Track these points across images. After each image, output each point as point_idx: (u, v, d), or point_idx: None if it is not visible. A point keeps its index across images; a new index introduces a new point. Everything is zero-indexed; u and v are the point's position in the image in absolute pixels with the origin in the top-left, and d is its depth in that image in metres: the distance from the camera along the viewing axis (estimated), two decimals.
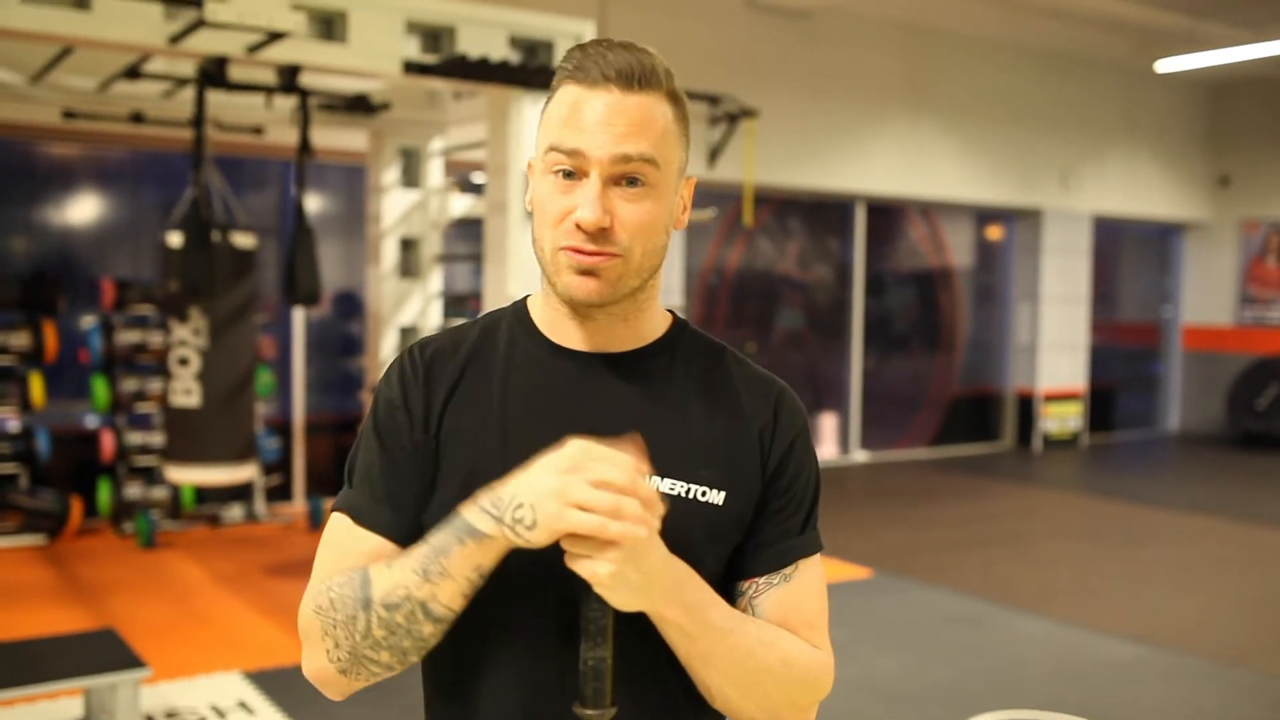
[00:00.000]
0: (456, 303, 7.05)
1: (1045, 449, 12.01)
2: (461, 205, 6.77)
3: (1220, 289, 13.23)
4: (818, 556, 1.32)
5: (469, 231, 7.44)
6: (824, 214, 10.95)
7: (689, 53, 8.95)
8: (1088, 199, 12.11)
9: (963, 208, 11.64)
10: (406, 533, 1.24)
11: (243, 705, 4.45)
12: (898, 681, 4.89)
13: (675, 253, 9.14)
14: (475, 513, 1.13)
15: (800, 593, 1.29)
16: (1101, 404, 12.96)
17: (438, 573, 1.14)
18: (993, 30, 10.72)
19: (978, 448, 11.97)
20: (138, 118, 6.40)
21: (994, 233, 12.31)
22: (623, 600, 1.11)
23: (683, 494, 1.24)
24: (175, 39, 4.42)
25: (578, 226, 1.18)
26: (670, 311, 1.36)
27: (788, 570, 1.29)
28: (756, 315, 10.58)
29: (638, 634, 1.20)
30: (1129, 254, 13.73)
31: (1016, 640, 5.58)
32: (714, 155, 8.57)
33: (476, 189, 7.11)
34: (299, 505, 8.04)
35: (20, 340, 6.97)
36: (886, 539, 7.58)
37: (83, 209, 7.80)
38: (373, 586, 1.18)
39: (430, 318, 6.80)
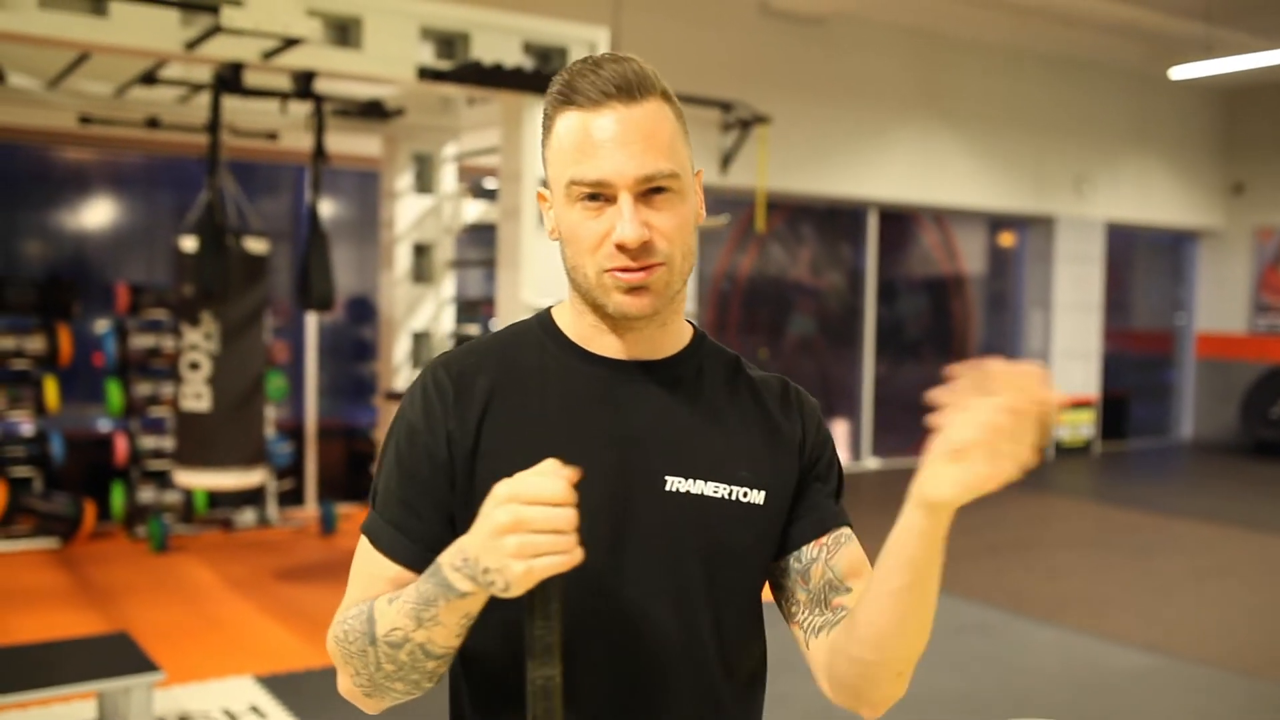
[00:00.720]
0: (469, 308, 7.06)
1: (1058, 457, 11.97)
2: (474, 211, 6.79)
3: (1234, 297, 13.18)
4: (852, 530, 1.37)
5: (482, 237, 7.45)
6: (836, 220, 10.93)
7: (702, 59, 8.96)
8: (1101, 206, 12.08)
9: (975, 214, 11.62)
10: (423, 559, 1.24)
11: (255, 709, 4.45)
12: (909, 690, 4.87)
13: None
14: (452, 571, 1.12)
15: (862, 554, 1.34)
16: (1114, 412, 12.91)
17: (430, 620, 1.16)
18: (1006, 37, 10.71)
19: None
20: (153, 123, 6.43)
21: (1006, 239, 12.29)
22: (966, 489, 1.16)
23: (726, 497, 1.27)
24: (191, 45, 4.44)
25: (619, 247, 1.20)
26: (692, 324, 1.39)
27: (845, 534, 1.34)
28: (769, 321, 10.57)
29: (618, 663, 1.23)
30: (1142, 261, 13.69)
31: (1028, 649, 5.56)
32: (727, 161, 8.57)
33: (489, 194, 7.12)
34: (311, 510, 8.05)
35: (35, 344, 7.00)
36: None
37: (98, 213, 7.84)
38: (376, 624, 1.20)
39: (443, 323, 6.81)
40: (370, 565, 1.28)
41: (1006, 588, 6.65)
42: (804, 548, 1.32)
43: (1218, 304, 13.34)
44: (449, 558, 1.14)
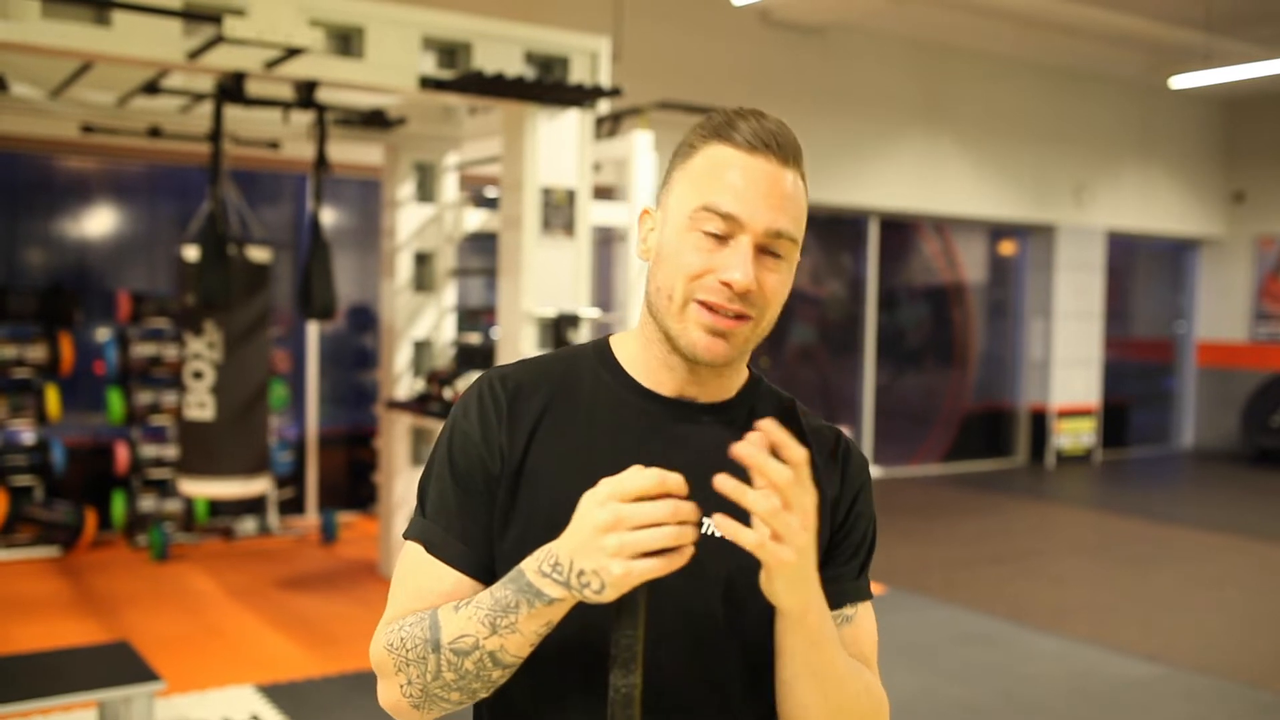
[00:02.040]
0: (470, 316, 7.06)
1: (1058, 465, 11.96)
2: (476, 220, 6.79)
3: (1235, 305, 13.18)
4: (870, 604, 1.37)
5: (483, 246, 7.46)
6: (837, 229, 10.95)
7: (703, 68, 8.98)
8: (1102, 215, 12.09)
9: (976, 223, 11.63)
10: (478, 566, 1.26)
11: (255, 719, 4.45)
12: (911, 700, 4.87)
13: None
14: (539, 577, 1.13)
15: (860, 634, 1.34)
16: (1115, 420, 12.91)
17: (506, 627, 1.15)
18: (1007, 47, 10.72)
19: (991, 464, 11.93)
20: (155, 132, 6.43)
21: (1007, 248, 12.29)
22: (787, 585, 1.13)
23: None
24: (194, 55, 4.45)
25: (725, 284, 1.21)
26: (747, 368, 1.38)
27: (848, 612, 1.33)
28: (769, 331, 10.55)
29: (695, 671, 1.24)
30: (1143, 270, 13.70)
31: (1031, 658, 5.55)
32: None
33: (491, 204, 7.13)
34: (312, 518, 8.05)
35: (37, 353, 7.00)
36: (899, 555, 7.56)
37: (100, 222, 7.85)
38: (442, 630, 1.19)
39: (444, 331, 6.81)
40: (423, 573, 1.27)
41: (1008, 597, 6.64)
42: None
43: (1218, 312, 13.35)
44: (535, 563, 1.14)
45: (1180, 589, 7.02)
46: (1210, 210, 13.09)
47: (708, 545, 1.21)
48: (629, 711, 1.12)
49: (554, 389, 1.31)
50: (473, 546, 1.26)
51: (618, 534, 1.06)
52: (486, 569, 1.26)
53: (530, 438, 1.27)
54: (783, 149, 1.22)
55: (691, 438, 1.28)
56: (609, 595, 1.09)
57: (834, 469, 1.34)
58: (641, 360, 1.31)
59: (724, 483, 1.08)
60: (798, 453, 1.10)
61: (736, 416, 1.32)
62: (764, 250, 1.23)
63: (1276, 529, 8.91)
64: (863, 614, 1.35)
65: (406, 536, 1.30)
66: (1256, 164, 12.93)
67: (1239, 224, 13.12)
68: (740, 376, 1.35)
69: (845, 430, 1.41)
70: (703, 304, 1.22)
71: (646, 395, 1.30)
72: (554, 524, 1.20)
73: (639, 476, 1.08)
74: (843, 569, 1.33)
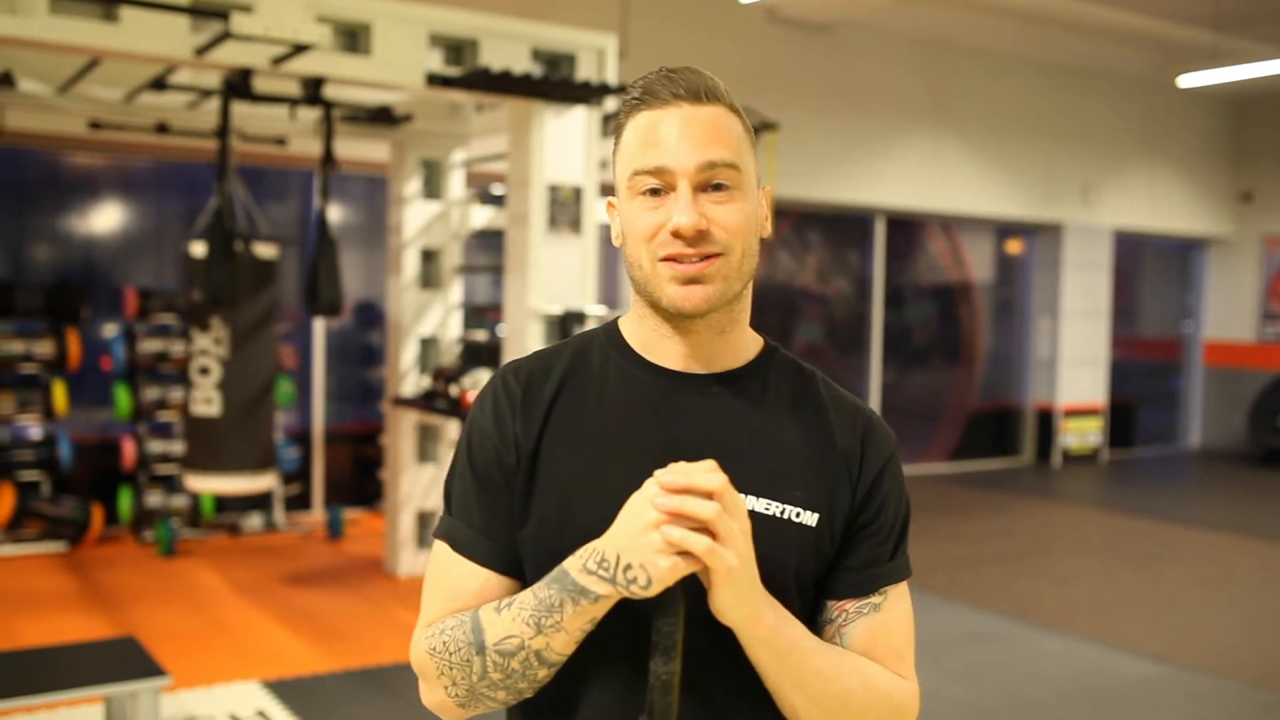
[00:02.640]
0: (476, 314, 7.07)
1: (1065, 464, 11.94)
2: (482, 217, 6.79)
3: (1242, 305, 13.15)
4: (905, 585, 1.33)
5: (489, 243, 7.46)
6: (844, 227, 10.93)
7: (710, 66, 8.77)
8: (1108, 213, 12.06)
9: (983, 222, 11.61)
10: (504, 561, 1.27)
11: (261, 714, 4.46)
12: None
13: None
14: (583, 574, 1.15)
15: (888, 622, 1.30)
16: (1122, 419, 12.88)
17: (551, 626, 1.17)
18: (1014, 45, 10.70)
19: (997, 463, 11.91)
20: (163, 128, 6.45)
21: (1014, 247, 12.27)
22: (735, 597, 1.13)
23: (777, 514, 1.26)
24: (201, 51, 4.46)
25: (675, 235, 1.21)
26: (762, 336, 1.38)
27: (876, 599, 1.29)
28: (776, 328, 10.56)
29: (727, 656, 1.23)
30: (1150, 269, 13.67)
31: (1037, 657, 5.54)
32: None
33: (497, 201, 7.13)
34: (318, 514, 8.06)
35: (44, 348, 7.02)
36: None
37: (107, 218, 7.86)
38: (485, 633, 1.21)
39: (450, 328, 6.82)
40: (454, 572, 1.29)
41: (1014, 596, 6.63)
42: (830, 602, 1.30)
43: (1226, 312, 13.32)
44: (579, 561, 1.16)
45: (1186, 589, 7.01)
46: (1218, 210, 13.06)
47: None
48: (668, 698, 1.14)
49: (565, 374, 1.32)
50: (497, 542, 1.27)
51: (667, 529, 1.09)
52: (513, 563, 1.27)
53: (544, 422, 1.28)
54: (692, 91, 1.23)
55: (699, 409, 1.28)
56: (654, 590, 1.11)
57: (855, 436, 1.31)
58: (643, 335, 1.32)
59: (663, 476, 1.11)
60: (713, 480, 1.10)
61: (747, 387, 1.31)
62: (705, 187, 1.22)
63: None
64: (893, 601, 1.30)
65: (435, 536, 1.32)
66: (1264, 163, 12.89)
67: (1247, 223, 13.08)
68: (747, 346, 1.34)
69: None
70: (666, 259, 1.23)
71: (654, 370, 1.30)
72: (568, 504, 1.23)
73: (689, 477, 1.10)
74: (872, 552, 1.30)
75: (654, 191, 1.23)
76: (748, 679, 1.24)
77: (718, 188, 1.23)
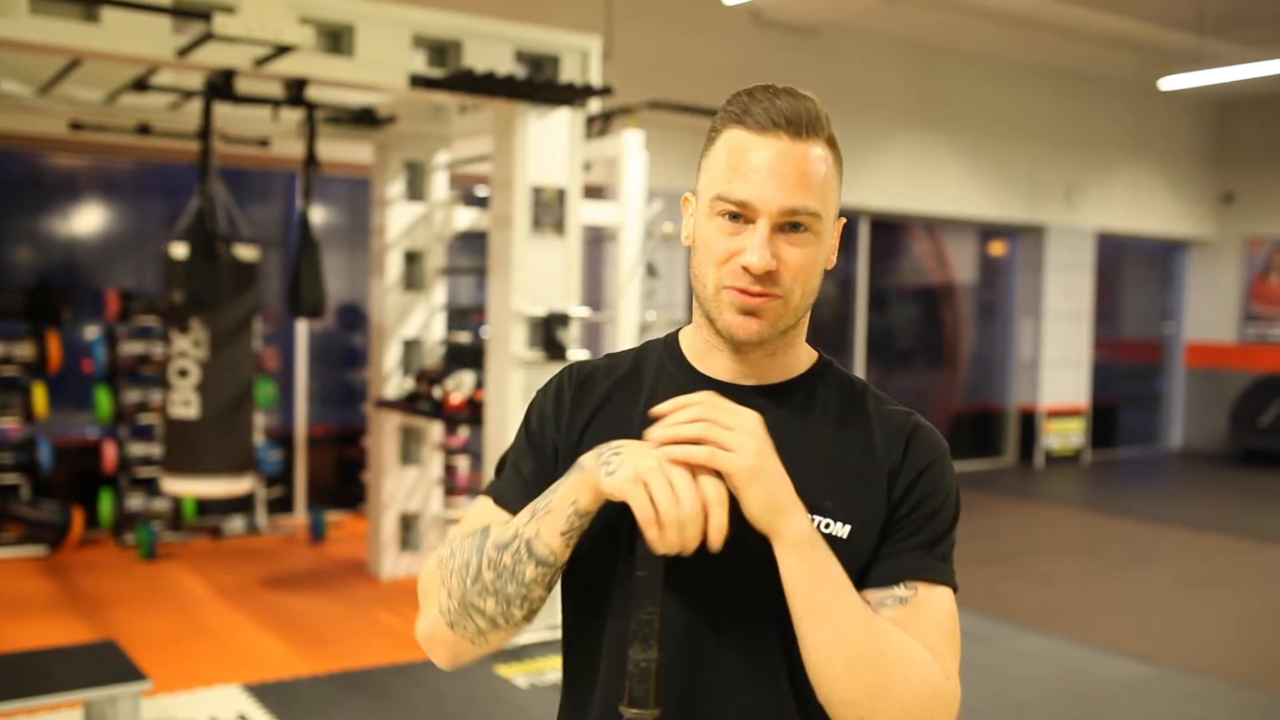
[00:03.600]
0: (460, 315, 7.05)
1: (1047, 465, 11.99)
2: (466, 218, 6.78)
3: (1223, 306, 13.22)
4: (946, 591, 1.29)
5: (473, 245, 7.45)
6: None
7: (695, 68, 8.97)
8: (1092, 215, 12.11)
9: (967, 223, 11.64)
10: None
11: (242, 718, 4.43)
12: None
13: (680, 266, 9.15)
14: (586, 453, 1.22)
15: (918, 619, 1.25)
16: (1104, 420, 12.94)
17: (543, 509, 1.23)
18: (999, 48, 10.74)
19: (980, 463, 11.95)
20: (144, 129, 6.41)
21: (997, 248, 12.31)
22: (760, 495, 1.15)
23: None
24: (183, 52, 4.43)
25: (745, 269, 1.24)
26: (817, 350, 1.40)
27: (902, 592, 1.26)
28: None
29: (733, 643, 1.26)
30: (1132, 270, 13.73)
31: (1021, 657, 5.56)
32: None
33: (481, 202, 7.12)
34: (300, 517, 8.03)
35: (24, 350, 6.97)
36: None
37: (88, 220, 7.82)
38: (490, 534, 1.27)
39: (434, 330, 6.80)
40: (483, 514, 1.35)
41: (997, 596, 6.65)
42: (860, 593, 1.28)
43: (1207, 313, 13.39)
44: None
45: (1169, 589, 7.04)
46: (1200, 211, 13.13)
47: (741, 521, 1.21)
48: (645, 685, 1.16)
49: (622, 377, 1.39)
50: (535, 495, 1.31)
51: (664, 463, 1.15)
52: None
53: (589, 421, 1.35)
54: (794, 124, 1.24)
55: None
56: (611, 484, 1.16)
57: (898, 446, 1.31)
58: (697, 346, 1.36)
59: (658, 409, 1.19)
60: (700, 394, 1.19)
61: (792, 400, 1.33)
62: (783, 228, 1.25)
63: (1264, 529, 8.94)
64: (926, 597, 1.26)
65: (481, 493, 1.39)
66: (1246, 165, 12.96)
67: (1228, 225, 13.16)
68: (800, 361, 1.37)
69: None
70: (730, 288, 1.26)
71: (702, 379, 1.34)
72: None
73: (671, 425, 1.18)
74: (900, 544, 1.28)
75: (734, 217, 1.25)
76: (758, 664, 1.26)
77: (795, 228, 1.25)
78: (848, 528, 1.27)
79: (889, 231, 11.28)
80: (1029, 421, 12.05)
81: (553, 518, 1.21)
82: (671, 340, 1.41)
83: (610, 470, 1.16)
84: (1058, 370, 12.06)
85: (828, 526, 1.26)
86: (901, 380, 11.78)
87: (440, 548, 1.33)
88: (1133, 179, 12.47)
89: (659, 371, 1.37)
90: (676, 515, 1.12)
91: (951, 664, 1.25)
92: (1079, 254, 12.10)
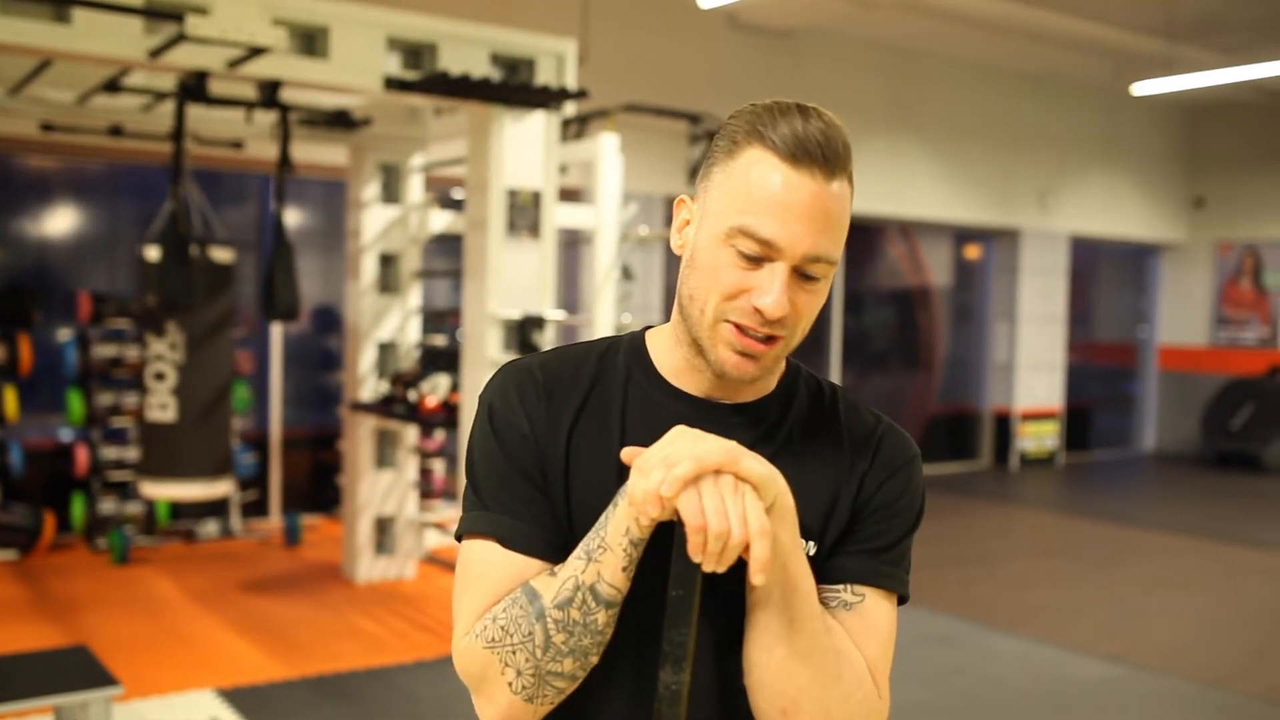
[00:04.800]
0: (435, 318, 7.04)
1: (1022, 468, 12.05)
2: (441, 221, 6.77)
3: (1195, 310, 13.33)
4: (892, 602, 1.27)
5: (448, 247, 7.43)
6: None
7: (670, 71, 8.98)
8: (1065, 219, 12.20)
9: (942, 227, 11.70)
10: (560, 550, 1.23)
11: None
12: None
13: (655, 269, 9.16)
14: (627, 482, 1.14)
15: (861, 627, 1.24)
16: (1078, 423, 13.02)
17: (598, 548, 1.16)
18: (974, 52, 10.80)
19: (955, 466, 12.00)
20: (116, 131, 6.37)
21: (972, 252, 12.38)
22: (756, 464, 1.11)
23: None
24: (155, 53, 4.41)
25: (757, 311, 1.18)
26: (787, 358, 1.34)
27: (849, 596, 1.25)
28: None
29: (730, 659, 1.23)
30: (1106, 274, 13.83)
31: (993, 660, 5.59)
32: (694, 173, 8.58)
33: (456, 205, 7.11)
34: (275, 521, 7.99)
35: None
36: None
37: (60, 222, 7.76)
38: (542, 597, 1.17)
39: (409, 333, 6.78)
40: (502, 568, 1.22)
41: (971, 599, 6.68)
42: None
43: (1179, 317, 13.50)
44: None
45: (1141, 590, 7.09)
46: (1172, 216, 13.24)
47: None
48: (675, 709, 1.13)
49: (590, 384, 1.29)
50: (547, 529, 1.24)
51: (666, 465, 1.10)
52: (567, 549, 1.22)
53: (573, 426, 1.26)
54: (828, 160, 1.18)
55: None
56: (642, 494, 1.10)
57: (867, 453, 1.29)
58: (674, 359, 1.29)
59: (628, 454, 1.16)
60: (672, 435, 1.14)
61: (767, 416, 1.30)
62: (800, 272, 1.19)
63: (1236, 531, 9.01)
64: (872, 606, 1.25)
65: (468, 534, 1.25)
66: (1217, 170, 13.08)
67: (1200, 229, 13.27)
68: (775, 375, 1.32)
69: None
70: (734, 324, 1.20)
71: (676, 395, 1.29)
72: (580, 516, 1.22)
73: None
74: (857, 545, 1.26)
75: (749, 255, 1.18)
76: (728, 691, 1.24)
77: (809, 277, 1.20)
78: (814, 545, 1.25)
79: (865, 235, 11.33)
80: (1004, 424, 12.12)
81: (611, 556, 1.15)
82: (638, 345, 1.33)
83: (629, 486, 1.13)
84: (1032, 373, 12.14)
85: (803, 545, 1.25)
86: (877, 383, 11.83)
87: (479, 626, 1.20)
88: (1106, 183, 12.56)
89: (627, 378, 1.30)
90: (722, 528, 1.08)
91: (885, 682, 1.24)
92: (1053, 258, 12.18)
